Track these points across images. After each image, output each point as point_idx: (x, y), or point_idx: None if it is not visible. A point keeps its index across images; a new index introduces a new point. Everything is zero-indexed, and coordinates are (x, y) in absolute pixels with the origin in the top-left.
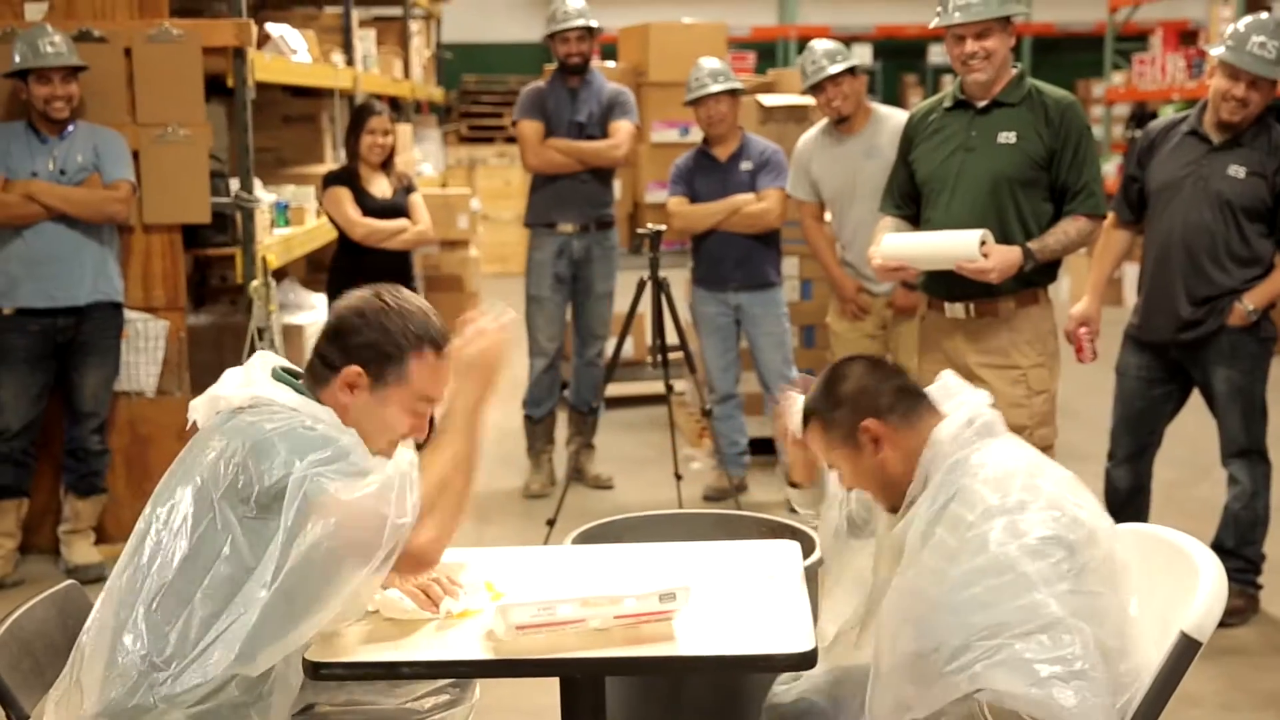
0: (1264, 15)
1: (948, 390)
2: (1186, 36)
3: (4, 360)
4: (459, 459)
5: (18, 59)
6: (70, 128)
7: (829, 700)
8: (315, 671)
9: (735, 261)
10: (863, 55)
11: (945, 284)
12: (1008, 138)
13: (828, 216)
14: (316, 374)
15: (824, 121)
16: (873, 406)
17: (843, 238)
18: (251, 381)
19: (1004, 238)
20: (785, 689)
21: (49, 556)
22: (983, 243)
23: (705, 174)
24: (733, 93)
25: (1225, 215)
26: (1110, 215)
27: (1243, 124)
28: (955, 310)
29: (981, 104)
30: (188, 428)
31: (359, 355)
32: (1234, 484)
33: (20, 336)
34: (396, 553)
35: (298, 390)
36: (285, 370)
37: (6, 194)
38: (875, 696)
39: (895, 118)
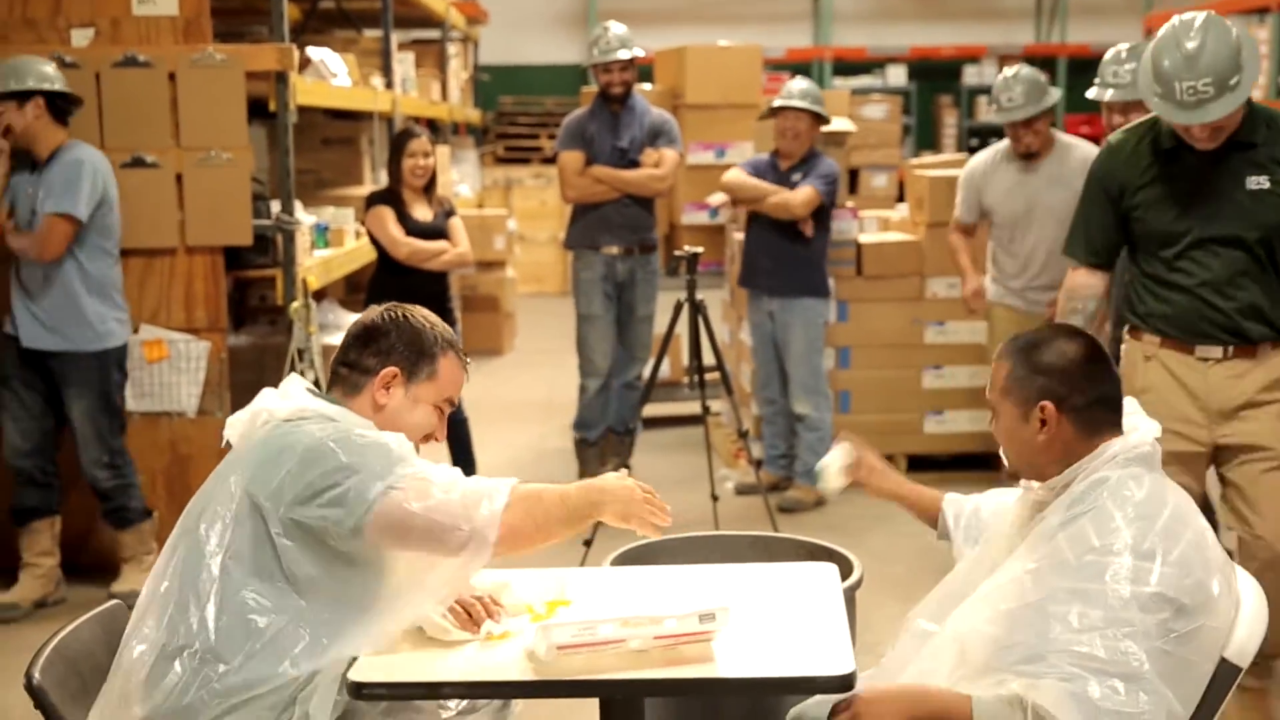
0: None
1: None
2: None
3: (3, 381)
4: (561, 503)
5: None
6: (55, 157)
7: None
8: (357, 691)
9: (765, 269)
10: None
11: (1191, 325)
12: (1259, 183)
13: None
14: (348, 382)
15: (1003, 144)
16: (1063, 395)
17: (1014, 263)
18: (290, 395)
19: (1265, 290)
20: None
21: (94, 578)
22: None
23: (767, 176)
24: (815, 116)
25: None
26: None
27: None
28: (1209, 351)
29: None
30: (222, 445)
31: (395, 355)
32: None
33: (10, 355)
34: (477, 557)
35: (334, 404)
36: (314, 390)
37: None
38: (931, 649)
39: (1081, 148)
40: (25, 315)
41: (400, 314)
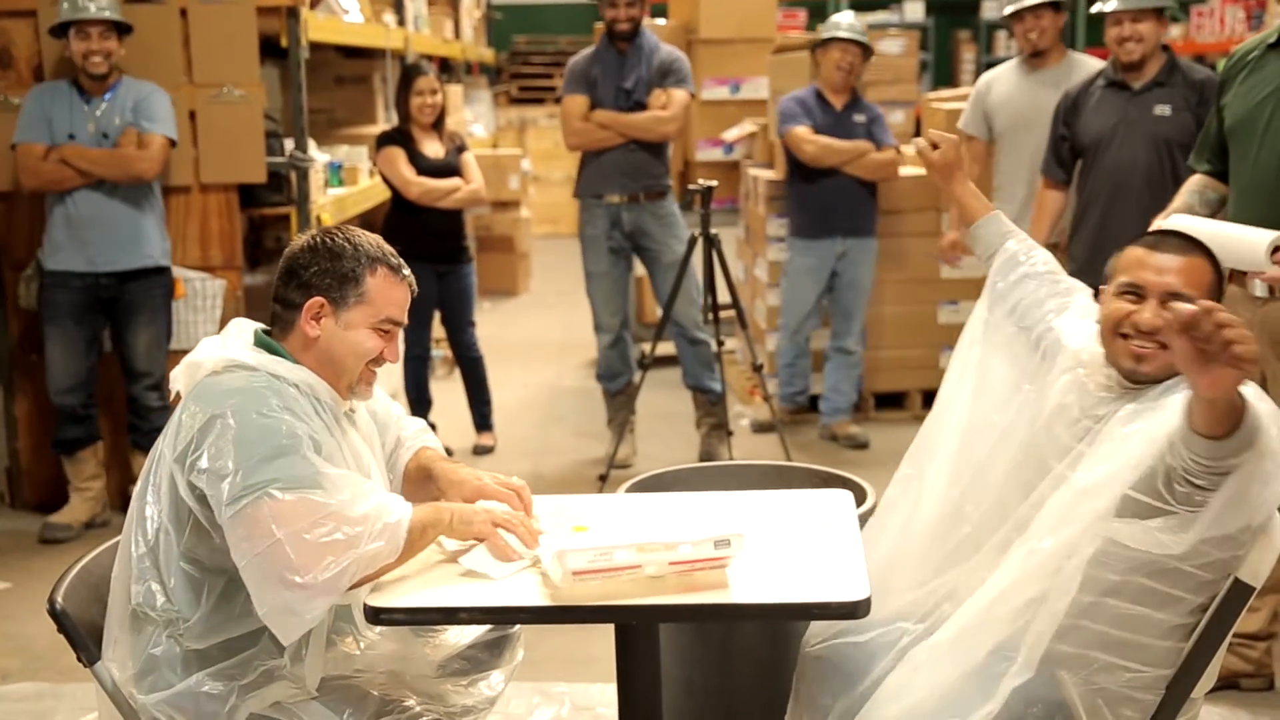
0: None
1: None
2: None
3: (50, 317)
4: (415, 548)
5: (62, 13)
6: (114, 87)
7: (859, 647)
8: (375, 617)
9: (845, 209)
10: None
11: None
12: None
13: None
14: (282, 320)
15: (1013, 61)
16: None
17: (1003, 172)
18: (226, 347)
19: None
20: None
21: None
22: (1277, 249)
23: (822, 116)
24: (862, 47)
25: (1162, 154)
26: (1042, 178)
27: (1145, 61)
28: (1257, 287)
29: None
30: (171, 398)
31: (317, 286)
32: None
33: (63, 293)
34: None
35: (274, 351)
36: (267, 332)
37: (44, 161)
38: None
39: (1091, 61)
40: (101, 241)
41: (321, 239)
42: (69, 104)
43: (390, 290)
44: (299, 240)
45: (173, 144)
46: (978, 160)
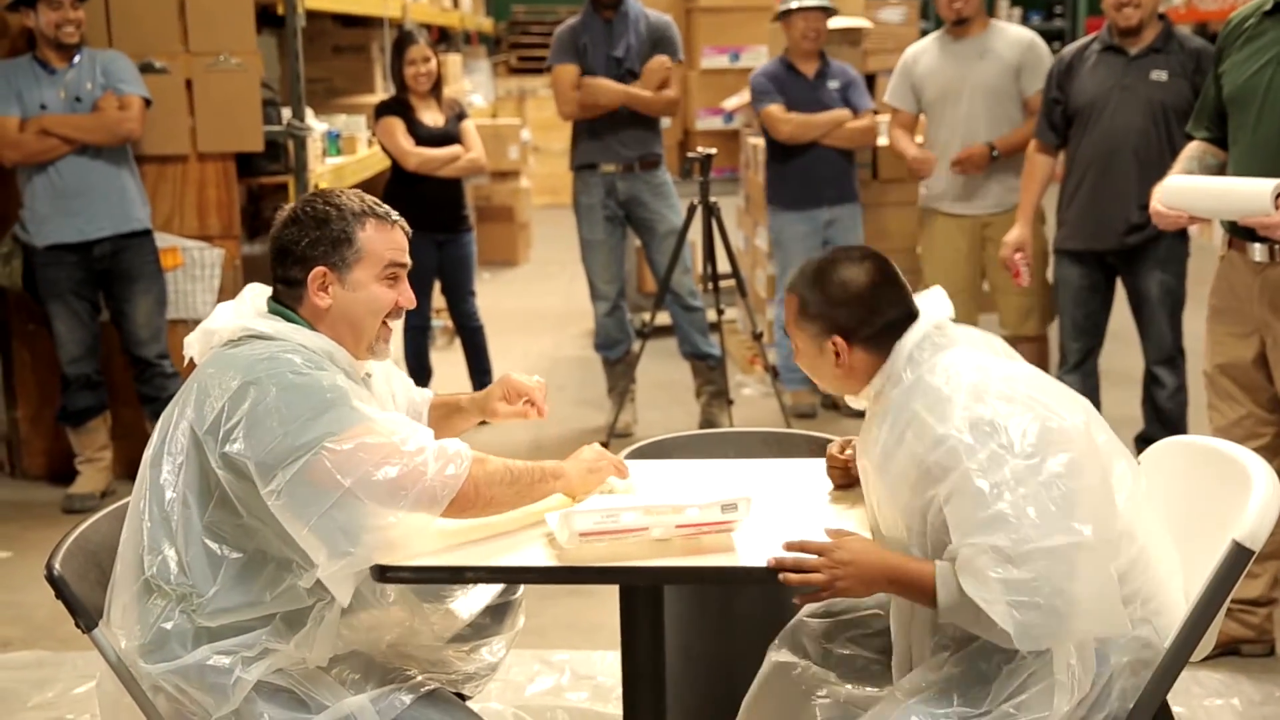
0: None
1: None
2: None
3: (50, 294)
4: (522, 479)
5: None
6: (78, 55)
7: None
8: (382, 575)
9: (829, 178)
10: None
11: None
12: None
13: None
14: (289, 295)
15: (936, 32)
16: (849, 328)
17: (937, 144)
18: (241, 315)
19: None
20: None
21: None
22: (1279, 195)
23: (795, 88)
24: (825, 11)
25: (1157, 119)
26: (1033, 142)
27: (1142, 26)
28: (1257, 252)
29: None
30: (185, 365)
31: (314, 257)
32: (1161, 385)
33: (58, 269)
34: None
35: (289, 319)
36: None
37: (23, 133)
38: None
39: (1014, 29)
40: (89, 209)
41: (302, 210)
42: (34, 77)
43: (385, 237)
44: (281, 216)
45: (148, 103)
46: (907, 128)
